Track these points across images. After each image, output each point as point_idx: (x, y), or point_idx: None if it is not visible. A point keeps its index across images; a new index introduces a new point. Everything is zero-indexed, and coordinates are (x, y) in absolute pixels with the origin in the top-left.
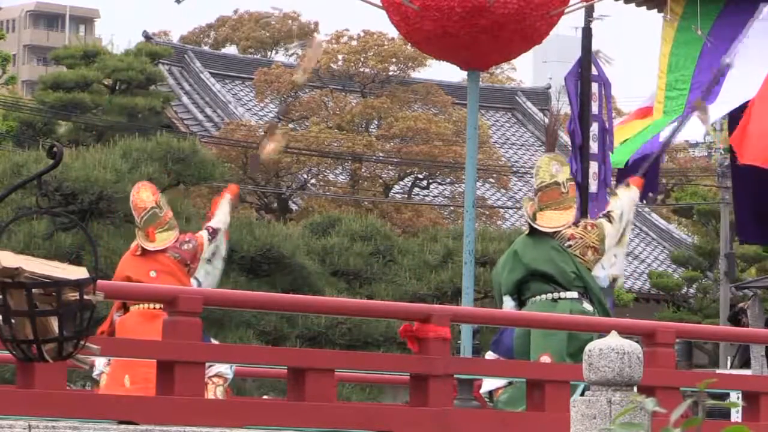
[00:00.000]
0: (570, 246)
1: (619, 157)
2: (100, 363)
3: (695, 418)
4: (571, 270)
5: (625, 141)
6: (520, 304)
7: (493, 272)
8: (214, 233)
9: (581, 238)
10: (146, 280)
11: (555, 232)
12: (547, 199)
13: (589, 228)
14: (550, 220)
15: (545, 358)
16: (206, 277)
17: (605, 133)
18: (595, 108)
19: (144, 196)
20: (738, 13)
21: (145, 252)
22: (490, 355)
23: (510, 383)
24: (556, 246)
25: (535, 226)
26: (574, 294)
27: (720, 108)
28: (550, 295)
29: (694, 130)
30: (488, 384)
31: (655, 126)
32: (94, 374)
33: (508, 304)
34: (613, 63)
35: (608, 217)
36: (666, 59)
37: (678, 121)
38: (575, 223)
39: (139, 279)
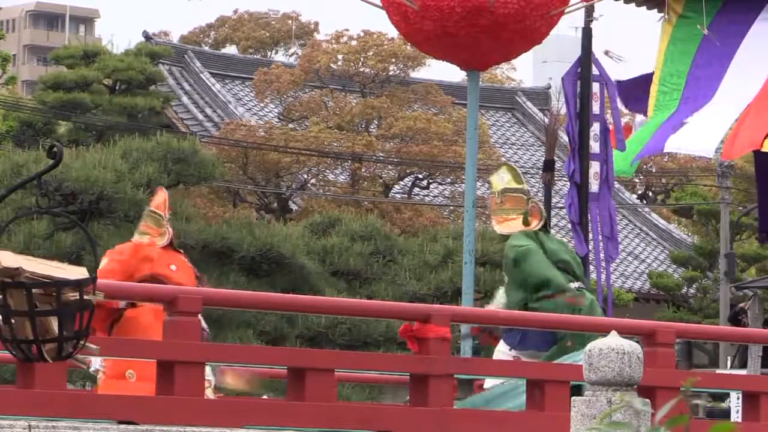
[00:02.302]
0: None
1: (623, 166)
2: (96, 360)
3: (681, 416)
4: (578, 261)
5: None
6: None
7: (531, 267)
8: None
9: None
10: (167, 272)
11: None
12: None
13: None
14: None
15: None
16: None
17: (608, 133)
18: (596, 108)
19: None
20: (737, 11)
21: (165, 246)
22: (502, 346)
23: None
24: (563, 241)
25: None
26: (580, 283)
27: (723, 111)
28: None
29: (702, 142)
30: (491, 383)
31: (649, 127)
32: (92, 370)
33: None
34: (624, 61)
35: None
36: (662, 55)
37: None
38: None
39: (159, 270)
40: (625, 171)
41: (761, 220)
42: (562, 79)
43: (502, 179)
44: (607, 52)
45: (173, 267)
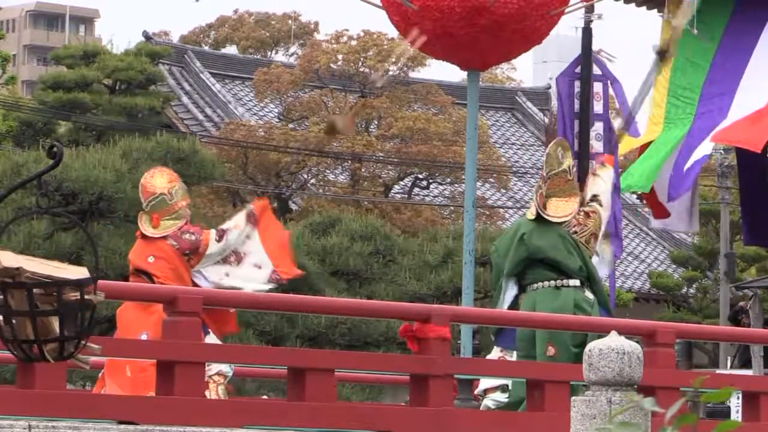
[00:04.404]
0: (576, 233)
1: (641, 181)
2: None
3: (690, 415)
4: (578, 257)
5: (638, 160)
6: (520, 289)
7: (494, 255)
8: (222, 234)
9: (586, 226)
10: (144, 265)
11: (563, 221)
12: (554, 187)
13: (591, 215)
14: (557, 209)
15: (550, 349)
16: (225, 279)
17: (613, 133)
18: (598, 107)
19: (157, 182)
20: (744, 24)
21: (145, 236)
22: (495, 351)
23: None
24: (563, 234)
25: (545, 216)
26: (576, 282)
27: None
28: (553, 282)
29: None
30: (484, 383)
31: (664, 143)
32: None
33: (510, 287)
34: (615, 60)
35: (598, 201)
36: (669, 64)
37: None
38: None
39: (139, 264)
40: (641, 186)
41: (746, 227)
42: (557, 79)
43: (563, 154)
44: (598, 51)
45: (150, 259)
